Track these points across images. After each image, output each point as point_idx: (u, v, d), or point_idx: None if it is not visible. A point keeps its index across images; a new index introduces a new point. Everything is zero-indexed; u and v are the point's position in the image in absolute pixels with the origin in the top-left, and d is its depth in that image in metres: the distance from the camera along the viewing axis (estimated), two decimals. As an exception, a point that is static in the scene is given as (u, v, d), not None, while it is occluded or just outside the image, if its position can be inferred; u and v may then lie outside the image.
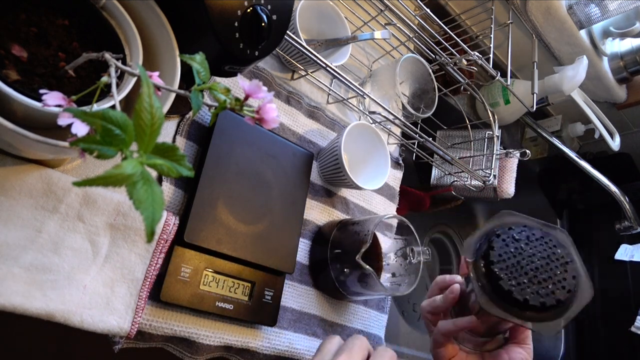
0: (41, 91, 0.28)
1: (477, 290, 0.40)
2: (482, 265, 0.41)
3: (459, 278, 0.49)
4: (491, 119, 0.91)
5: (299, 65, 0.65)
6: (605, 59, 1.07)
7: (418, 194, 1.00)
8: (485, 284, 0.40)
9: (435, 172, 1.05)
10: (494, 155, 0.89)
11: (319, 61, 0.56)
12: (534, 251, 0.41)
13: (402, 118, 0.68)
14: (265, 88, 0.33)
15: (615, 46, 1.09)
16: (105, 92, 0.33)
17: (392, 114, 0.65)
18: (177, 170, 0.26)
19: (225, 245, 0.51)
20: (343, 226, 0.63)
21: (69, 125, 0.25)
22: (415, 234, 0.63)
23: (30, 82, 0.33)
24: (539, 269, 0.40)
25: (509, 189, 1.00)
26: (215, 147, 0.52)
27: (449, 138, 1.03)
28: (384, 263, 0.66)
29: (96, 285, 0.42)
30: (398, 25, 0.70)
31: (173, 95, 0.39)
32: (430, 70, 0.74)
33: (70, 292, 0.40)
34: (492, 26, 0.82)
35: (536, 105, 0.89)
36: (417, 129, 0.71)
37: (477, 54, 0.73)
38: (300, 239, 0.63)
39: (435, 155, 0.90)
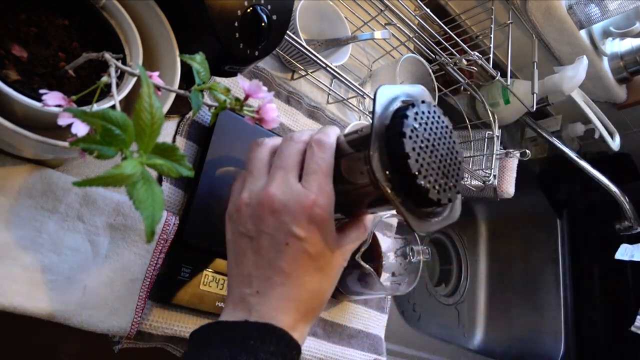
0: (41, 91, 0.28)
1: (379, 170, 0.33)
2: (388, 137, 0.34)
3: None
4: (491, 119, 0.91)
5: (299, 65, 0.65)
6: (605, 59, 1.07)
7: (418, 194, 1.00)
8: (385, 158, 0.33)
9: (435, 172, 1.04)
10: (494, 155, 0.89)
11: (319, 61, 0.56)
12: (440, 136, 0.36)
13: (402, 118, 0.68)
14: (265, 88, 0.33)
15: (615, 46, 1.09)
16: (105, 92, 0.33)
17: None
18: (177, 170, 0.26)
19: (225, 246, 0.51)
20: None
21: (69, 125, 0.25)
22: (415, 233, 0.63)
23: (30, 82, 0.33)
24: (442, 160, 0.35)
25: (509, 189, 1.00)
26: (215, 147, 0.52)
27: (449, 138, 1.03)
28: (383, 262, 0.66)
29: (96, 285, 0.42)
30: (398, 25, 0.70)
31: (173, 95, 0.39)
32: (430, 70, 0.74)
33: (70, 292, 0.40)
34: (492, 26, 0.82)
35: (536, 105, 0.89)
36: (417, 129, 0.71)
37: (477, 54, 0.73)
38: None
39: (435, 155, 0.90)
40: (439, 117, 0.36)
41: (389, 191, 0.33)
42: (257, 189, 0.37)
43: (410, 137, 0.33)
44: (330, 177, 0.36)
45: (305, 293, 0.36)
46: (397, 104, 0.36)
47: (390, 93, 0.36)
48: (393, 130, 0.33)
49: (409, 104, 0.35)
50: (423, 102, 0.36)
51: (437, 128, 0.36)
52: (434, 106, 0.37)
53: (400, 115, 0.34)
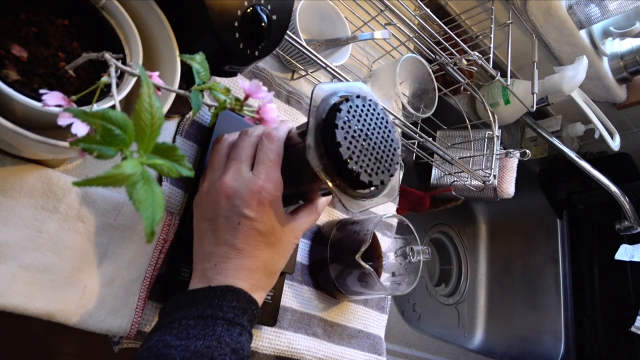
0: (41, 91, 0.29)
1: (314, 153, 0.37)
2: (324, 125, 0.38)
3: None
4: (491, 119, 0.91)
5: (299, 65, 0.65)
6: (605, 59, 1.07)
7: (418, 194, 1.00)
8: (321, 147, 0.38)
9: (435, 172, 1.05)
10: (494, 155, 0.89)
11: (319, 61, 0.56)
12: (375, 126, 0.40)
13: (402, 118, 0.68)
14: (265, 88, 0.33)
15: (615, 46, 1.10)
16: (105, 92, 0.33)
17: (392, 114, 0.65)
18: (177, 170, 0.26)
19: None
20: (342, 226, 0.63)
21: (69, 125, 0.25)
22: (415, 232, 0.63)
23: (30, 82, 0.33)
24: (375, 147, 0.39)
25: (509, 189, 1.00)
26: (215, 147, 0.52)
27: (449, 138, 1.03)
28: (383, 262, 0.66)
29: (96, 285, 0.42)
30: (398, 25, 0.70)
31: (173, 95, 0.39)
32: (430, 70, 0.74)
33: (70, 292, 0.40)
34: (492, 26, 0.82)
35: (536, 105, 0.89)
36: (417, 129, 0.71)
37: (477, 54, 0.73)
38: (300, 239, 0.63)
39: (435, 155, 0.90)
40: (374, 109, 0.41)
41: (323, 175, 0.37)
42: (215, 179, 0.42)
43: (342, 128, 0.37)
44: (278, 166, 0.41)
45: (258, 263, 0.40)
46: (335, 99, 0.40)
47: (329, 90, 0.41)
48: (327, 123, 0.38)
49: (344, 99, 0.39)
50: (358, 96, 0.40)
51: (371, 119, 0.40)
52: (370, 100, 0.41)
53: (334, 109, 0.38)
